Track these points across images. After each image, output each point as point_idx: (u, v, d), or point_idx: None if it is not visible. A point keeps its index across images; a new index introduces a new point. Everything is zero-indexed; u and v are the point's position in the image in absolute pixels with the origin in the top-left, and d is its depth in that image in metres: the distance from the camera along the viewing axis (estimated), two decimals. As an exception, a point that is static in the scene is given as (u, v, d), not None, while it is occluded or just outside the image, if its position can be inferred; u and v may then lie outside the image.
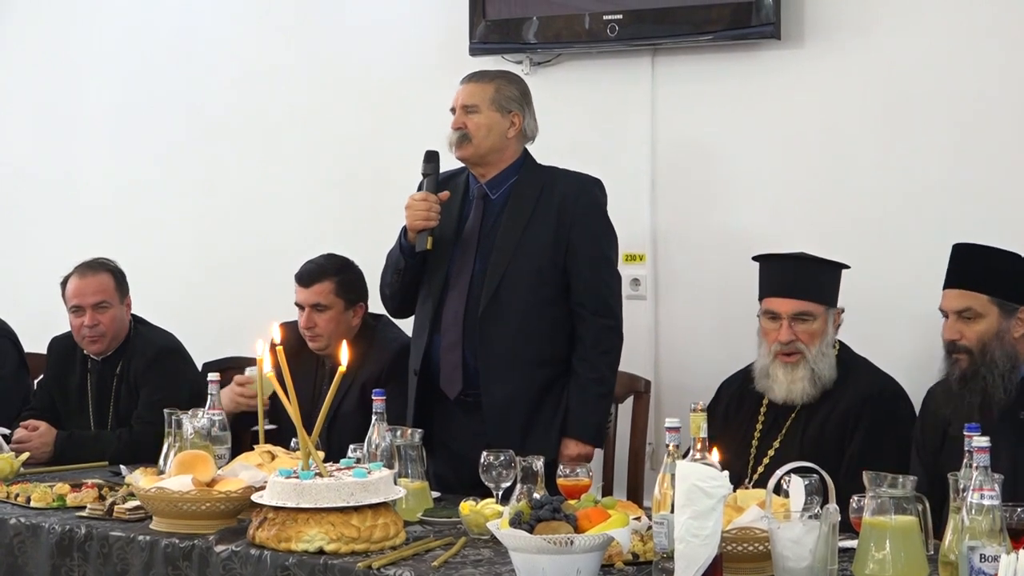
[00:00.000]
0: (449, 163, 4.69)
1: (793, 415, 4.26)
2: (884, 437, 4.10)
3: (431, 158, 4.65)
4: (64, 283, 5.26)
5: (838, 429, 4.16)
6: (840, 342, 4.33)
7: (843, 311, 4.35)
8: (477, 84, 4.62)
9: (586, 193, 4.61)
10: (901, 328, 4.76)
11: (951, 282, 4.03)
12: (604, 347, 4.55)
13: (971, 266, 4.01)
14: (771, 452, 4.25)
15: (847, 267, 4.37)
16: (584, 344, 4.54)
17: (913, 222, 4.84)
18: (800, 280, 4.27)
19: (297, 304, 4.99)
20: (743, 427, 4.34)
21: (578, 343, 4.55)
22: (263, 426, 4.13)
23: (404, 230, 4.64)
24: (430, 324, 4.62)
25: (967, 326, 3.97)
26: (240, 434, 4.57)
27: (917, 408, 4.24)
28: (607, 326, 4.54)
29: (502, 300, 4.53)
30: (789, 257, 4.37)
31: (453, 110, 4.62)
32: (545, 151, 4.79)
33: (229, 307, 6.06)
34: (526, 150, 4.68)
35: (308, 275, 4.99)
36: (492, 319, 4.53)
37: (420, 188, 4.63)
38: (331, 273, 4.97)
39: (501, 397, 4.52)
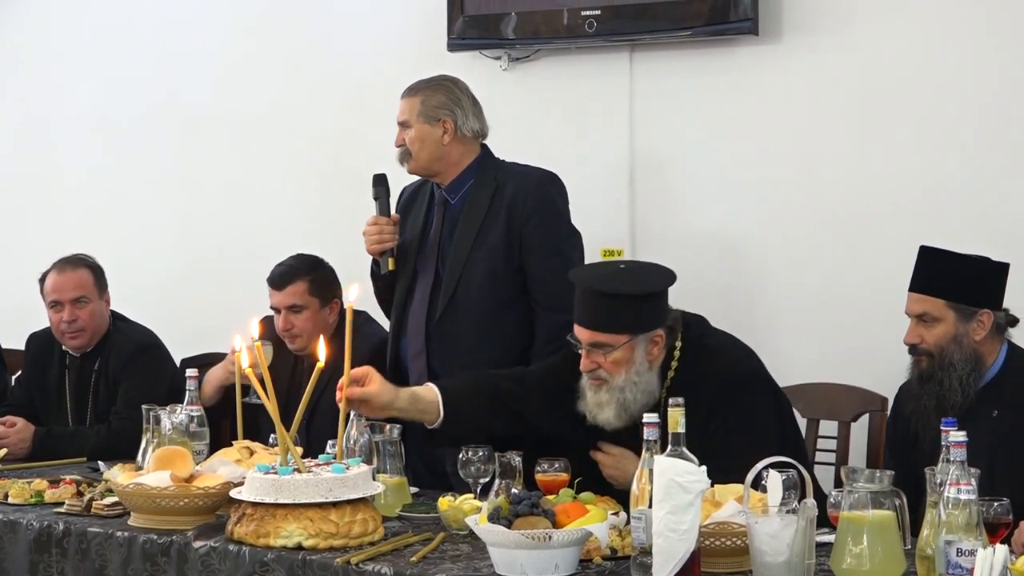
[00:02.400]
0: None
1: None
2: (726, 421, 3.90)
3: (379, 181, 4.72)
4: (42, 279, 5.23)
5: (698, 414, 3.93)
6: (701, 320, 4.09)
7: (669, 327, 3.97)
8: (406, 99, 4.65)
9: (537, 189, 4.59)
10: (877, 326, 4.76)
11: (911, 286, 4.02)
12: (559, 343, 4.41)
13: (929, 270, 4.00)
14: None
15: (671, 282, 4.03)
16: (537, 341, 4.53)
17: (890, 219, 4.85)
18: (594, 311, 3.96)
19: (272, 308, 4.97)
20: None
21: (534, 340, 4.54)
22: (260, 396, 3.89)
23: None
24: (398, 332, 4.69)
25: (926, 330, 3.97)
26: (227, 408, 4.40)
27: (889, 403, 4.27)
28: (561, 322, 4.37)
29: (459, 304, 4.55)
30: (588, 287, 4.03)
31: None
32: (522, 147, 4.79)
33: (207, 303, 6.06)
34: (484, 148, 4.69)
35: (280, 277, 4.97)
36: (450, 323, 4.56)
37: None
38: (303, 273, 4.96)
39: None
